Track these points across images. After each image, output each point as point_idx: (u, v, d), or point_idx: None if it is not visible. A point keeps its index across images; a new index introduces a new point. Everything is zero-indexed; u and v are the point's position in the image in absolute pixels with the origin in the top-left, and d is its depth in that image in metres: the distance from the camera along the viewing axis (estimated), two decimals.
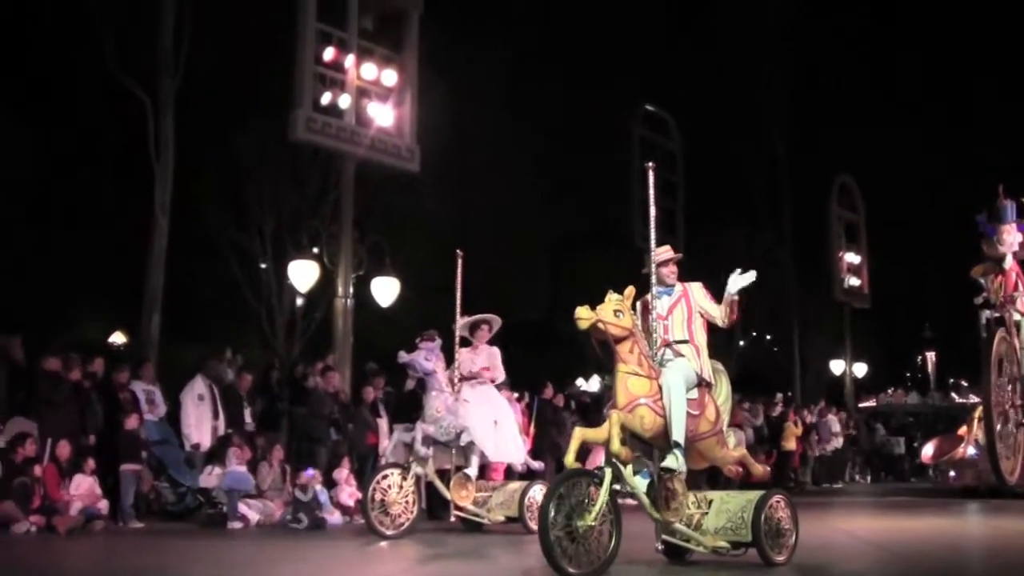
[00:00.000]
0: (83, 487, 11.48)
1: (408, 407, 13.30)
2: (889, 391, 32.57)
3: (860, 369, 35.28)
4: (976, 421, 16.81)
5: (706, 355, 7.78)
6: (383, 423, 14.77)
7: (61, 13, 17.85)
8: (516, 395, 14.77)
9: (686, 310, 7.83)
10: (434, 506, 12.94)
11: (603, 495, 6.97)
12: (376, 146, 17.32)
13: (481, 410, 11.12)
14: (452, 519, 11.53)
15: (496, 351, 11.59)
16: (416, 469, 10.91)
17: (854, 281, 33.77)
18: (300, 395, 14.60)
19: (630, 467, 7.32)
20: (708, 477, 14.87)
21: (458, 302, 11.27)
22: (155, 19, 16.78)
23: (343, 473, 13.53)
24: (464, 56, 24.07)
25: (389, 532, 10.54)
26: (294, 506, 12.51)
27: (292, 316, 19.85)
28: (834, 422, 24.64)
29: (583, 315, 7.20)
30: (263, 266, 19.85)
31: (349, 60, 17.13)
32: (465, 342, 11.60)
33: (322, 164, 19.18)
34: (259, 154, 19.46)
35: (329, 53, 16.92)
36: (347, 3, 17.24)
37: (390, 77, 17.69)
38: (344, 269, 17.10)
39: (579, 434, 7.34)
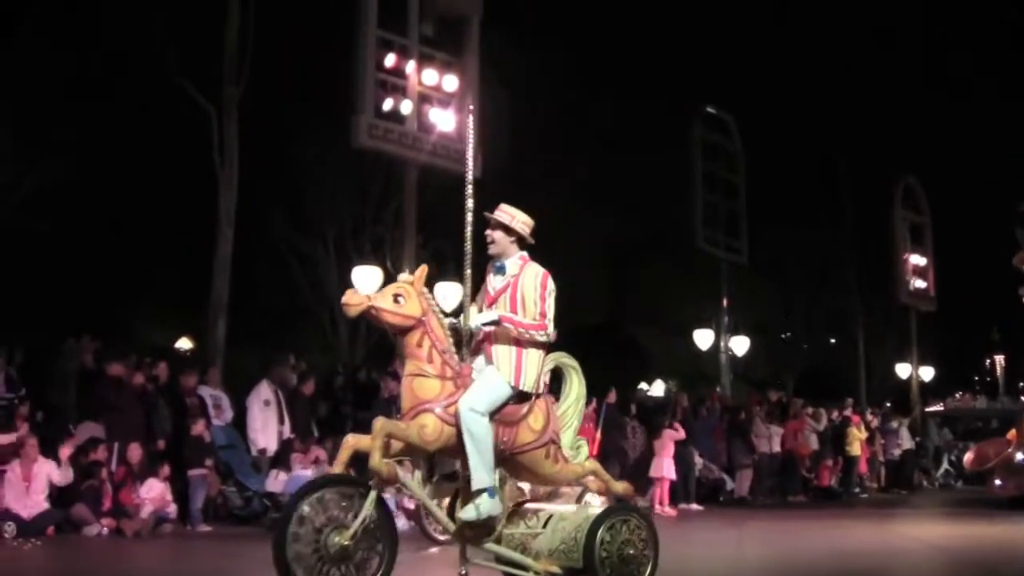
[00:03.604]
0: (155, 491, 11.62)
1: None
2: (957, 395, 32.01)
3: (927, 373, 34.63)
4: None
5: (534, 357, 6.16)
6: None
7: (122, 23, 18.07)
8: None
9: (509, 299, 6.22)
10: None
11: (365, 509, 5.71)
12: (438, 151, 17.29)
13: None
14: None
15: None
16: None
17: (920, 283, 33.14)
18: (364, 399, 14.65)
19: (418, 474, 6.13)
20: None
21: None
22: (218, 28, 16.97)
23: None
24: (523, 60, 24.04)
25: (444, 537, 10.47)
26: None
27: (356, 320, 19.92)
28: (903, 427, 24.25)
29: (351, 301, 6.06)
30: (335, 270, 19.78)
31: (410, 66, 17.14)
32: None
33: (384, 169, 19.23)
34: (321, 160, 19.56)
35: (390, 59, 16.94)
36: (408, 9, 17.25)
37: (451, 82, 17.68)
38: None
39: (352, 442, 5.91)
